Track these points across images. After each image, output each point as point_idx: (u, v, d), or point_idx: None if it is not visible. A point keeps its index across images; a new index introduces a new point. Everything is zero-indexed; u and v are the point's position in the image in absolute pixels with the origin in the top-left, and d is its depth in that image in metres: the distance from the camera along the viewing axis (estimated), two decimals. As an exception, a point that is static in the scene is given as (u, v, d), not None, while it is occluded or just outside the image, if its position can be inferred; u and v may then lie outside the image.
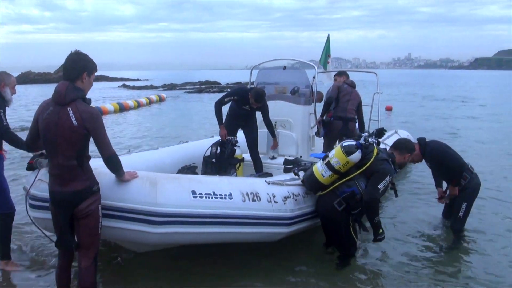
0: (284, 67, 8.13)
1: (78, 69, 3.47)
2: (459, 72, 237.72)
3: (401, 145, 5.46)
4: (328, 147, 7.41)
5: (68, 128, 3.37)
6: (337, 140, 7.50)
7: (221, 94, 7.15)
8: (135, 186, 3.93)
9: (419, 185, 8.36)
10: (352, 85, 8.02)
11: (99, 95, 37.69)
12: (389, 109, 23.02)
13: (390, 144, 7.40)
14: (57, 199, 3.52)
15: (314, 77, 7.71)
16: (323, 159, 4.89)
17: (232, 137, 6.77)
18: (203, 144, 7.47)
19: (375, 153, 4.80)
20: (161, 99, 31.93)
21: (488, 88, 52.22)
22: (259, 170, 6.80)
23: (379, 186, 4.64)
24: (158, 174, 4.25)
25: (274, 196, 4.71)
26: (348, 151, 4.71)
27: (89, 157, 3.59)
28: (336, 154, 4.76)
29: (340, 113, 7.78)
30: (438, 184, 6.20)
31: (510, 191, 8.09)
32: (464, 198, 5.78)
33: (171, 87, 51.30)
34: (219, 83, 56.28)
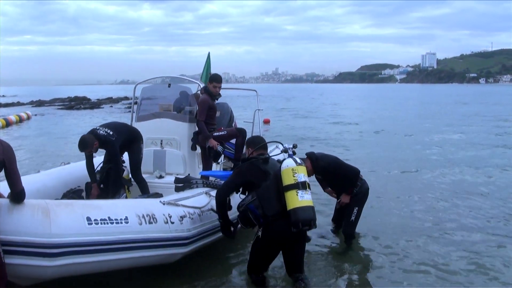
0: (169, 85, 8.03)
1: None
2: (325, 85, 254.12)
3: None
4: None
5: None
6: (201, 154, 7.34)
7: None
8: (26, 216, 3.68)
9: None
10: (201, 92, 7.41)
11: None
12: (267, 122, 23.71)
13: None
14: None
15: (194, 94, 7.70)
16: (304, 188, 4.48)
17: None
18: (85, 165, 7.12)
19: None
20: (28, 117, 29.64)
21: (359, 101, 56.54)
22: (145, 191, 6.61)
23: None
24: (49, 201, 4.01)
25: (170, 217, 4.67)
26: (301, 163, 4.62)
27: None
28: (305, 173, 4.59)
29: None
30: (325, 187, 6.50)
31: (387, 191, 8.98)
32: (355, 203, 6.11)
33: (39, 103, 47.95)
34: (89, 99, 53.91)
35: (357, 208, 6.11)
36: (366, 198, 6.27)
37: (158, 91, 8.20)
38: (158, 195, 6.17)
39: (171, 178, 6.70)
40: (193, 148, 7.28)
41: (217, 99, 7.35)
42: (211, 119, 7.18)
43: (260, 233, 4.67)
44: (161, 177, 7.13)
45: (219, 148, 7.08)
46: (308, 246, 6.04)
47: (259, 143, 5.16)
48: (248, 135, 8.25)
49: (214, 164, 7.58)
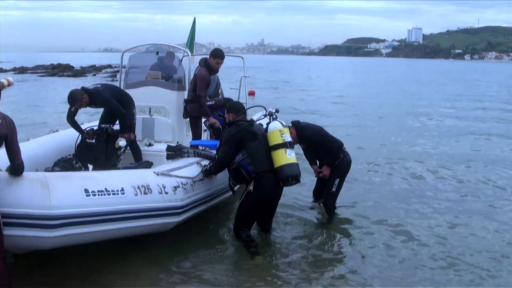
0: (157, 52, 8.05)
1: None
2: (311, 58, 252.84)
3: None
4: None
5: None
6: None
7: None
8: (26, 189, 3.76)
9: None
10: (200, 64, 7.40)
11: None
12: (252, 93, 23.50)
13: None
14: None
15: (180, 60, 7.77)
16: (291, 147, 5.07)
17: (108, 125, 6.53)
18: (75, 133, 7.01)
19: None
20: (9, 84, 28.85)
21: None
22: (138, 158, 6.68)
23: None
24: (47, 173, 4.12)
25: (164, 187, 4.81)
26: (286, 125, 5.21)
27: None
28: (289, 134, 5.16)
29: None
30: (313, 162, 6.52)
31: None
32: (337, 174, 6.18)
33: (22, 70, 47.25)
34: (73, 67, 53.24)
35: (338, 179, 6.19)
36: (348, 170, 6.37)
37: (146, 59, 8.21)
38: (148, 164, 6.28)
39: (161, 146, 6.85)
40: (184, 116, 7.38)
41: (214, 74, 7.41)
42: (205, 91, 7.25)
43: (251, 188, 5.04)
44: (150, 145, 7.19)
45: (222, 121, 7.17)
46: (288, 218, 6.29)
47: (240, 109, 5.47)
48: (234, 99, 8.35)
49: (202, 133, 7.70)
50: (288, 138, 5.05)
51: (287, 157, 4.95)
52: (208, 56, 7.35)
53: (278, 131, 5.03)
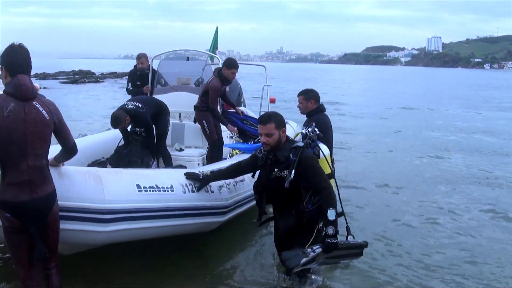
0: (188, 58, 8.04)
1: (29, 63, 3.23)
2: (330, 66, 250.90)
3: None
4: None
5: (41, 122, 3.13)
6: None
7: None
8: (79, 182, 3.69)
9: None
10: (214, 74, 6.94)
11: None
12: (272, 101, 22.95)
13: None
14: (28, 209, 3.11)
15: (203, 69, 7.75)
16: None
17: (142, 129, 6.43)
18: (105, 137, 7.15)
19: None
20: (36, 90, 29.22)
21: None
22: (168, 163, 6.60)
23: None
24: (99, 168, 4.09)
25: (210, 186, 4.75)
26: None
27: None
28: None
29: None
30: None
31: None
32: None
33: (43, 76, 47.84)
34: (94, 73, 53.85)
35: None
36: None
37: (176, 64, 8.24)
38: (182, 167, 6.22)
39: (191, 151, 6.90)
40: (195, 121, 7.17)
41: (227, 85, 7.12)
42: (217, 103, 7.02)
43: None
44: (181, 150, 7.15)
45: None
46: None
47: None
48: (255, 111, 8.19)
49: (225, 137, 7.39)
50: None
51: (333, 187, 4.21)
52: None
53: (328, 158, 4.34)
